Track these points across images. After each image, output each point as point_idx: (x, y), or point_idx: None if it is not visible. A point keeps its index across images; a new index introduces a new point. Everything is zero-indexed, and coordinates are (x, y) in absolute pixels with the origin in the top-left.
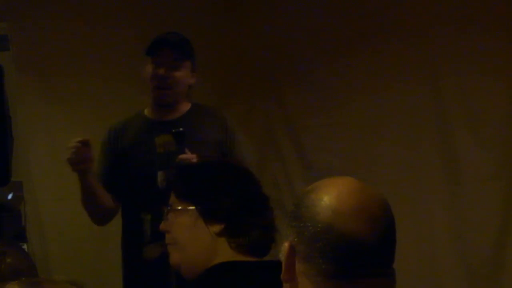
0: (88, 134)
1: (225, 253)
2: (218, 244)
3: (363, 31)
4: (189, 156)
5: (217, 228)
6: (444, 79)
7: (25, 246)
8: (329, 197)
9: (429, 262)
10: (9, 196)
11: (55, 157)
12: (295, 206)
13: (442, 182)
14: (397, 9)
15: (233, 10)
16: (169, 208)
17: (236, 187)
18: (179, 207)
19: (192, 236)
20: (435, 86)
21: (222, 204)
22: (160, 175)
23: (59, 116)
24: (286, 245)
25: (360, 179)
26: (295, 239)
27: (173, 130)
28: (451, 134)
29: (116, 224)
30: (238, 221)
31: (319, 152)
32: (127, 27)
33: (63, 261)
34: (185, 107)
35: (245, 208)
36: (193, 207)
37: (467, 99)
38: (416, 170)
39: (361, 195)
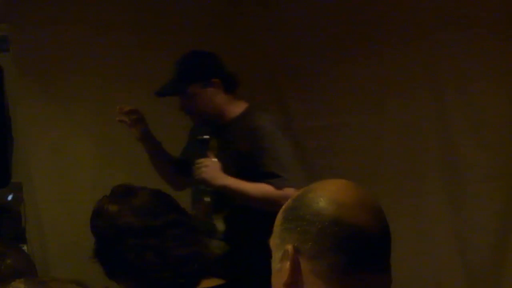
0: (88, 135)
1: None
2: None
3: (364, 34)
4: (204, 160)
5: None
6: (444, 81)
7: (25, 247)
8: (330, 192)
9: (429, 262)
10: (9, 197)
11: (55, 158)
12: (291, 209)
13: (442, 182)
14: (398, 13)
15: (234, 11)
16: None
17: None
18: None
19: None
20: (436, 88)
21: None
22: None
23: (59, 117)
24: (289, 247)
25: (360, 180)
26: (299, 240)
27: (198, 137)
28: (452, 135)
29: None
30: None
31: (320, 154)
32: (126, 29)
33: (63, 262)
34: (236, 111)
35: (128, 270)
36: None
37: (467, 100)
38: (417, 170)
39: (357, 189)
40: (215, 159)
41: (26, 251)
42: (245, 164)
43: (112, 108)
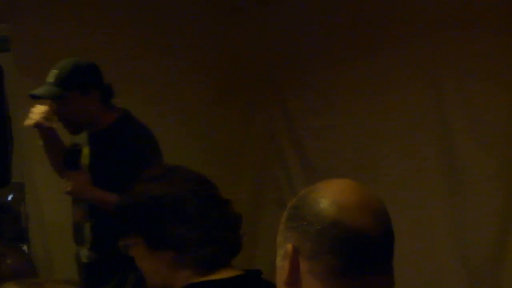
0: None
1: (185, 276)
2: (176, 269)
3: (364, 33)
4: (72, 174)
5: (167, 254)
6: (444, 81)
7: (25, 247)
8: (332, 194)
9: (429, 262)
10: (9, 197)
11: None
12: (294, 208)
13: (443, 182)
14: (398, 12)
15: (235, 12)
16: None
17: (175, 208)
18: (129, 241)
19: (149, 267)
20: (436, 88)
21: (164, 230)
22: None
23: None
24: (289, 246)
25: (360, 180)
26: (298, 239)
27: (69, 147)
28: (452, 135)
29: None
30: (185, 245)
31: (321, 154)
32: (127, 29)
33: (65, 261)
34: (109, 120)
35: (190, 230)
36: (140, 238)
37: (467, 100)
38: (417, 171)
39: (361, 191)
40: (84, 171)
41: (26, 251)
42: (115, 173)
43: None
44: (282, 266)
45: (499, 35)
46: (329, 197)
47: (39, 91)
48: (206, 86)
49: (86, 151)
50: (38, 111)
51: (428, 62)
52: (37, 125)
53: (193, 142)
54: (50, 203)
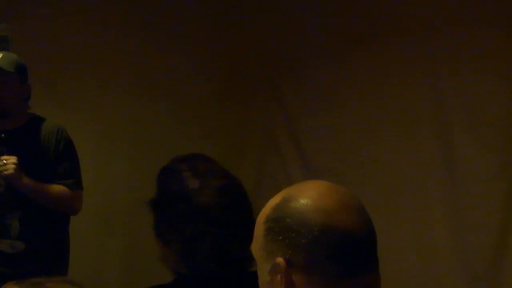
0: (88, 135)
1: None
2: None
3: (362, 32)
4: (11, 158)
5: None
6: (443, 79)
7: None
8: (312, 200)
9: (429, 262)
10: None
11: None
12: (274, 221)
13: (442, 182)
14: (396, 10)
15: (234, 10)
16: None
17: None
18: None
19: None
20: (435, 87)
21: (158, 218)
22: None
23: (59, 117)
24: (281, 261)
25: (360, 180)
26: (288, 252)
27: None
28: (451, 134)
29: (118, 226)
30: (167, 248)
31: (319, 153)
32: (127, 29)
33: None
34: (24, 118)
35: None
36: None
37: (467, 99)
38: (416, 170)
39: (338, 191)
40: (13, 157)
41: None
42: (41, 165)
43: (113, 110)
44: (270, 281)
45: (499, 34)
46: (310, 204)
47: None
48: (206, 85)
49: (9, 142)
50: None
51: (428, 61)
52: None
53: (193, 141)
54: None
